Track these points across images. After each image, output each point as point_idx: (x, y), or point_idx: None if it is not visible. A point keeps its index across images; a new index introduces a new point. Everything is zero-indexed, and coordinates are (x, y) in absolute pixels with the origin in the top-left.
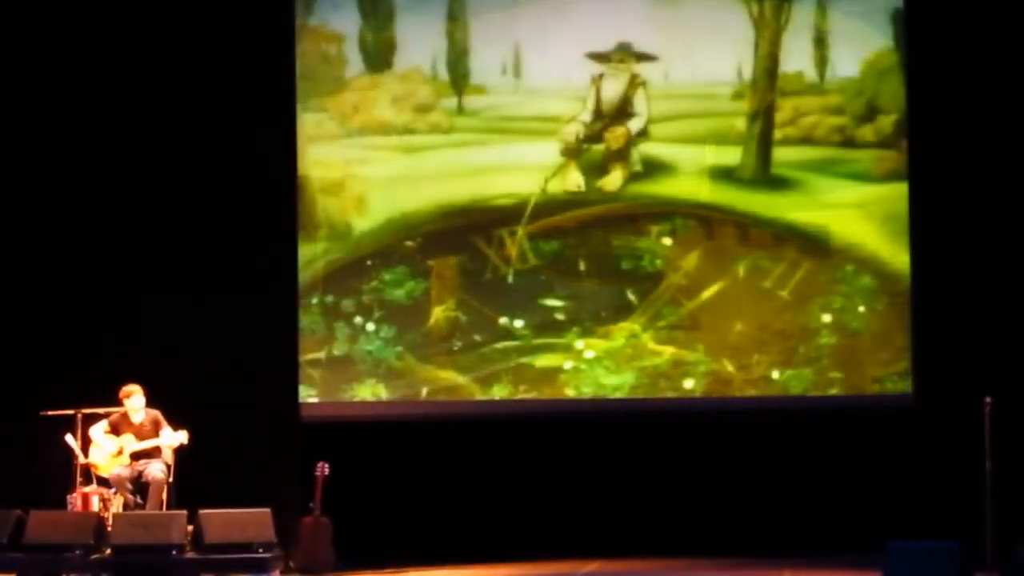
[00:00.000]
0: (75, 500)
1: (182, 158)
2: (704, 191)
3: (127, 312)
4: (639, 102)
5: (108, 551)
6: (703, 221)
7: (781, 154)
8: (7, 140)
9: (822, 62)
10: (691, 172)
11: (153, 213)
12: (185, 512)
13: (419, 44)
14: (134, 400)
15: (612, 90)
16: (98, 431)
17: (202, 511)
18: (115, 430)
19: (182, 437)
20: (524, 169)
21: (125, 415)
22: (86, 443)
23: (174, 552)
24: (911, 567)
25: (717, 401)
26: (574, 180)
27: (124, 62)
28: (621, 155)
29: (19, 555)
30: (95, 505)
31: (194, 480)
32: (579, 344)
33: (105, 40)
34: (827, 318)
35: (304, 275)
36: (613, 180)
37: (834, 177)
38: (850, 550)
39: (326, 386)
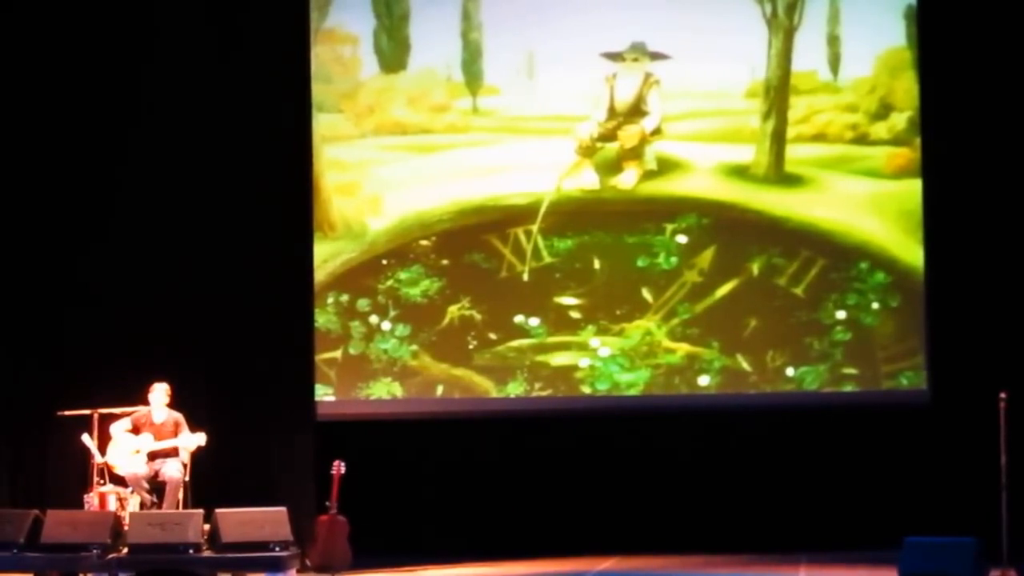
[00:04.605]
0: (92, 500)
1: (198, 159)
2: (718, 189)
3: (143, 312)
4: (653, 100)
5: (125, 550)
6: (717, 219)
7: (795, 152)
8: (24, 139)
9: (835, 60)
10: (705, 170)
11: (169, 214)
12: (201, 511)
13: (433, 45)
14: (155, 396)
15: (626, 89)
16: (119, 428)
17: (218, 510)
18: (136, 429)
19: (200, 440)
20: (538, 168)
21: (149, 414)
22: (103, 442)
23: (191, 551)
24: (927, 562)
25: (732, 398)
26: (588, 178)
27: (132, 63)
28: (635, 153)
29: (36, 555)
30: (112, 504)
31: (210, 479)
32: (594, 342)
33: (113, 41)
34: (841, 315)
35: (320, 274)
36: (627, 178)
37: (848, 174)
38: (866, 546)
39: (342, 385)
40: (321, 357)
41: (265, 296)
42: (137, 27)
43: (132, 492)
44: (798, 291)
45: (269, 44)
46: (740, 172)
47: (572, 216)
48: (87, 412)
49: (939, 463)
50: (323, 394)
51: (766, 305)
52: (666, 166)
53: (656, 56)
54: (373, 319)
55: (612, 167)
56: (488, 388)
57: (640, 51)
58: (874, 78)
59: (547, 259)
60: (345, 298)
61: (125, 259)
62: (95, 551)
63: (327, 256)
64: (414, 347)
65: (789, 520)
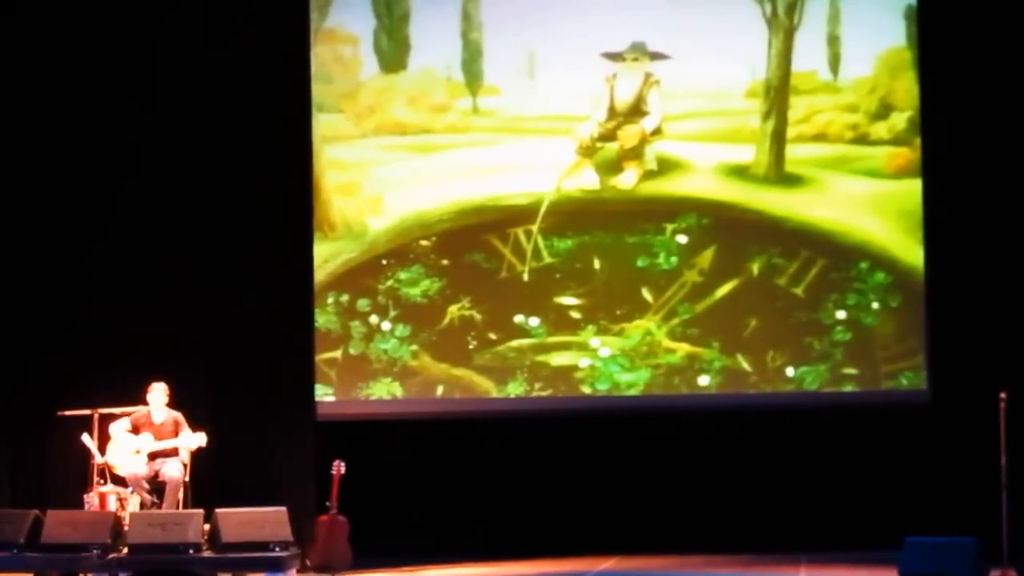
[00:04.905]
0: (92, 500)
1: (198, 159)
2: (718, 189)
3: (143, 312)
4: (653, 101)
5: (125, 550)
6: (717, 219)
7: (795, 152)
8: (25, 139)
9: (835, 60)
10: (705, 170)
11: (169, 214)
12: (202, 511)
13: (434, 45)
14: (154, 396)
15: (626, 89)
16: (119, 429)
17: (219, 510)
18: (136, 429)
19: (201, 440)
20: (539, 168)
21: (148, 414)
22: (103, 442)
23: (191, 551)
24: (927, 563)
25: (732, 398)
26: (589, 178)
27: (132, 63)
28: (635, 153)
29: (36, 555)
30: (112, 505)
31: (211, 479)
32: (594, 342)
33: (113, 42)
34: (841, 315)
35: (320, 274)
36: (627, 178)
37: (848, 174)
38: (866, 546)
39: (342, 385)
40: (321, 357)
41: (265, 296)
42: (137, 27)
43: (132, 492)
44: (798, 291)
45: (269, 44)
46: (740, 172)
47: (572, 216)
48: (87, 412)
49: (939, 463)
50: (323, 394)
51: (766, 305)
52: (666, 166)
53: (656, 56)
54: (373, 319)
55: (612, 167)
56: (488, 388)
57: (640, 51)
58: (874, 78)
59: (547, 259)
60: (345, 298)
61: (126, 259)
62: (95, 551)
63: (327, 256)
64: (414, 347)
65: (789, 520)
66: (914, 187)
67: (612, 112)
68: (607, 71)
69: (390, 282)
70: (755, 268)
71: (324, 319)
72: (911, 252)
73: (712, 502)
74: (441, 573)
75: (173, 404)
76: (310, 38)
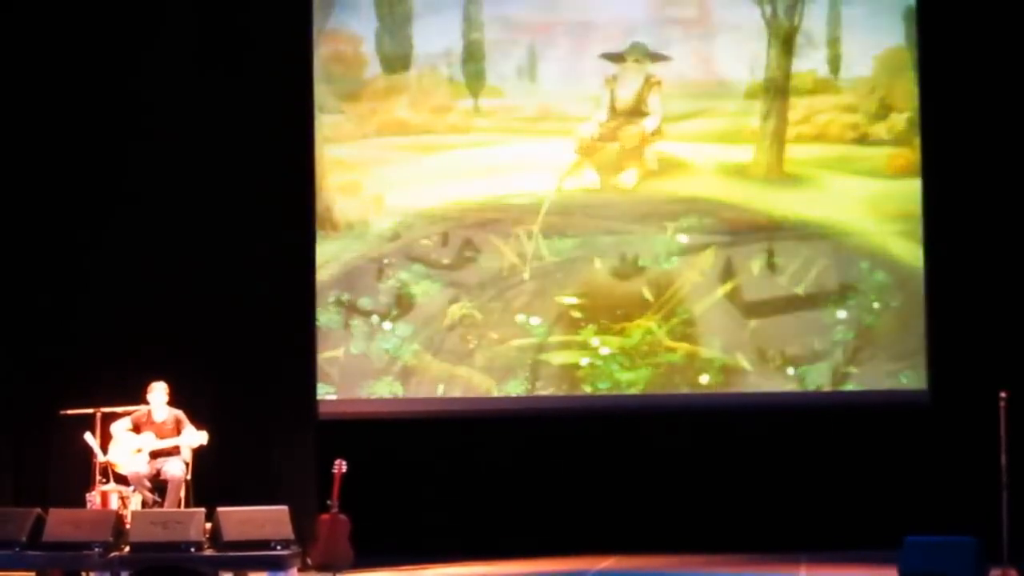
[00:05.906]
0: (94, 498)
1: (201, 159)
2: (718, 189)
3: (145, 311)
4: (653, 101)
5: (126, 549)
6: (717, 218)
7: (795, 152)
8: (26, 138)
9: (835, 60)
10: (705, 170)
11: (171, 213)
12: (203, 510)
13: (436, 46)
14: (155, 395)
15: (627, 89)
16: (120, 428)
17: (220, 509)
18: (137, 428)
19: (202, 438)
20: (540, 168)
21: (149, 413)
22: (105, 441)
23: (192, 550)
24: (927, 562)
25: (732, 397)
26: (589, 178)
27: (134, 63)
28: (636, 153)
29: (38, 553)
30: (114, 503)
31: (212, 478)
32: (595, 341)
33: (115, 41)
34: (842, 314)
35: (322, 274)
36: (628, 178)
37: (848, 174)
38: (866, 546)
39: (343, 384)
40: (323, 356)
41: (267, 295)
42: (140, 27)
43: (134, 491)
44: (798, 291)
45: (272, 45)
46: (740, 172)
47: (573, 216)
48: (89, 411)
49: (939, 463)
50: (325, 393)
51: (766, 305)
52: (666, 166)
53: (656, 57)
54: (374, 318)
55: (613, 167)
56: (489, 387)
57: (641, 52)
58: (874, 78)
59: (548, 258)
60: (347, 297)
61: (127, 259)
62: (97, 549)
63: (329, 255)
64: (415, 346)
65: (789, 520)
66: (914, 187)
67: (613, 112)
68: (608, 72)
69: (391, 281)
70: (755, 267)
71: (326, 318)
72: (911, 252)
73: (712, 501)
74: (441, 572)
75: (174, 403)
76: (313, 39)
